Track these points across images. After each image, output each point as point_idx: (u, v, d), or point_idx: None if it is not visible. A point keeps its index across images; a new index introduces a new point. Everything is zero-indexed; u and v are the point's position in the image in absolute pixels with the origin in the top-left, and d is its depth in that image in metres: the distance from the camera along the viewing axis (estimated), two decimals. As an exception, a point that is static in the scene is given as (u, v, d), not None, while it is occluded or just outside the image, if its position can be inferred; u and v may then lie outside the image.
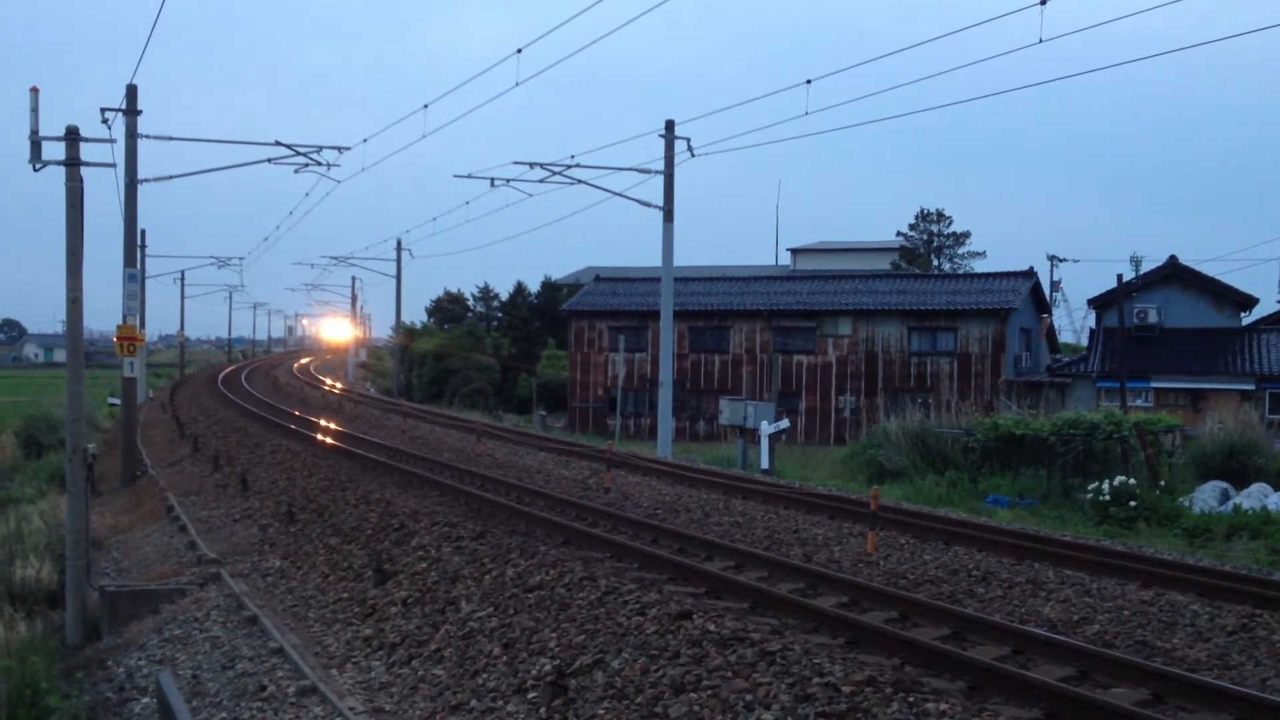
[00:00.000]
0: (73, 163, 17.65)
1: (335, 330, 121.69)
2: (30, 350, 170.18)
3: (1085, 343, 57.60)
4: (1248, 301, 48.62)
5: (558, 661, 9.87)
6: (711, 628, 9.71)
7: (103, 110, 26.39)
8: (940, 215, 73.46)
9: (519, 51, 25.33)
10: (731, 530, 16.87)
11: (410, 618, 12.41)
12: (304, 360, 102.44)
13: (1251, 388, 42.60)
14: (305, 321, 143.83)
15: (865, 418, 46.66)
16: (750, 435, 29.05)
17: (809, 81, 24.64)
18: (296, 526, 18.24)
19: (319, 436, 30.02)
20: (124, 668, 12.95)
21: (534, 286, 76.27)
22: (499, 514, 17.25)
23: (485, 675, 10.28)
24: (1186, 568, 14.11)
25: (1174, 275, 48.07)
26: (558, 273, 79.80)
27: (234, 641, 12.64)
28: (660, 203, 33.47)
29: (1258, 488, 23.26)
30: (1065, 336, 71.35)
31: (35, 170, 17.92)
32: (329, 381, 68.77)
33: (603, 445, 27.73)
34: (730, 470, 26.78)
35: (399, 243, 69.71)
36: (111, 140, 20.18)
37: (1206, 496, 23.18)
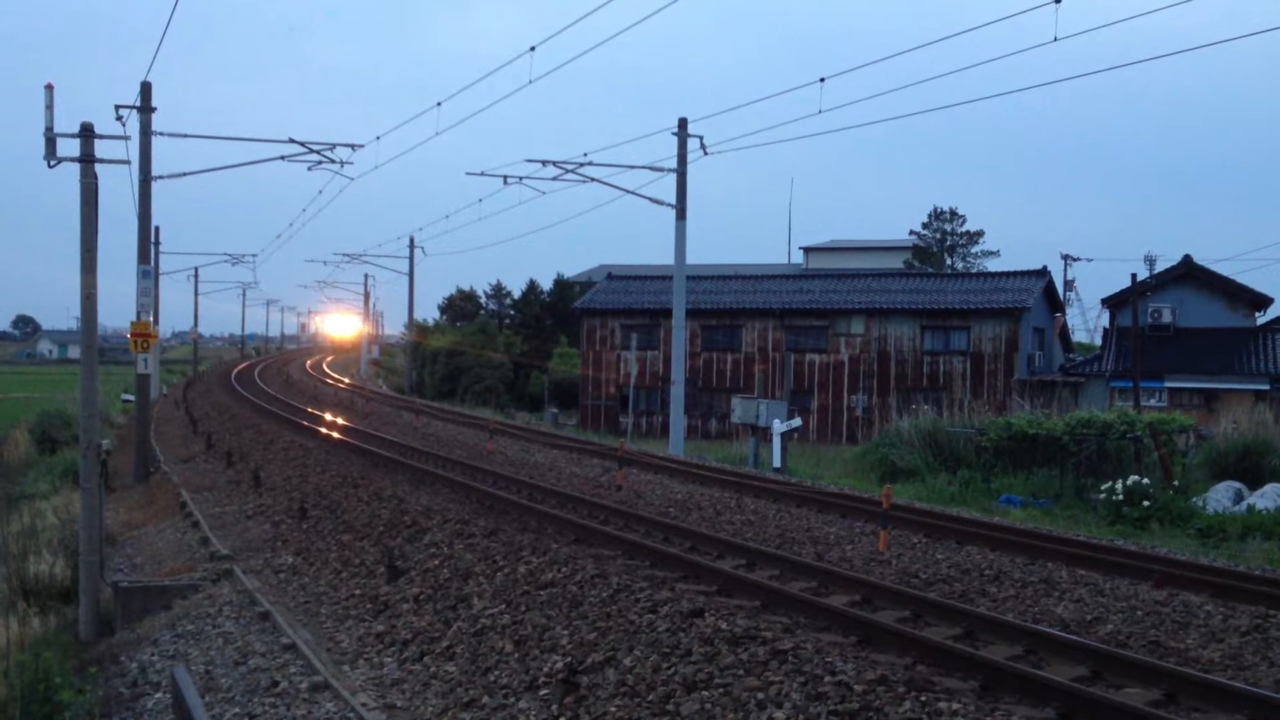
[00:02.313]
0: (87, 159, 17.70)
1: (341, 325, 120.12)
2: (44, 346, 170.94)
3: (1099, 342, 57.48)
4: (1262, 301, 48.43)
5: (569, 659, 9.88)
6: (723, 626, 9.71)
7: (117, 107, 26.49)
8: (953, 214, 73.33)
9: (533, 49, 25.32)
10: (743, 529, 16.86)
11: (422, 614, 12.43)
12: (316, 357, 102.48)
13: (1266, 388, 42.43)
14: (318, 318, 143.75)
15: (878, 416, 46.60)
16: (762, 434, 29.03)
17: (822, 80, 24.60)
18: (309, 523, 18.28)
19: (331, 433, 30.08)
20: (137, 663, 12.99)
21: (546, 284, 76.35)
22: (511, 511, 17.26)
23: (497, 672, 10.29)
24: (1200, 568, 14.06)
25: (1188, 275, 47.92)
26: (570, 270, 79.98)
27: (247, 637, 12.68)
28: (673, 201, 33.48)
29: (1272, 488, 23.15)
30: (1079, 336, 71.20)
31: (50, 167, 17.97)
32: (341, 378, 68.89)
33: (615, 443, 27.73)
34: (742, 469, 26.77)
35: (412, 240, 69.76)
36: (126, 137, 20.24)
37: (1220, 497, 23.08)
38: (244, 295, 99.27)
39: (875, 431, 40.05)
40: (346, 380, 67.09)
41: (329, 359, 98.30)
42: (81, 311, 17.42)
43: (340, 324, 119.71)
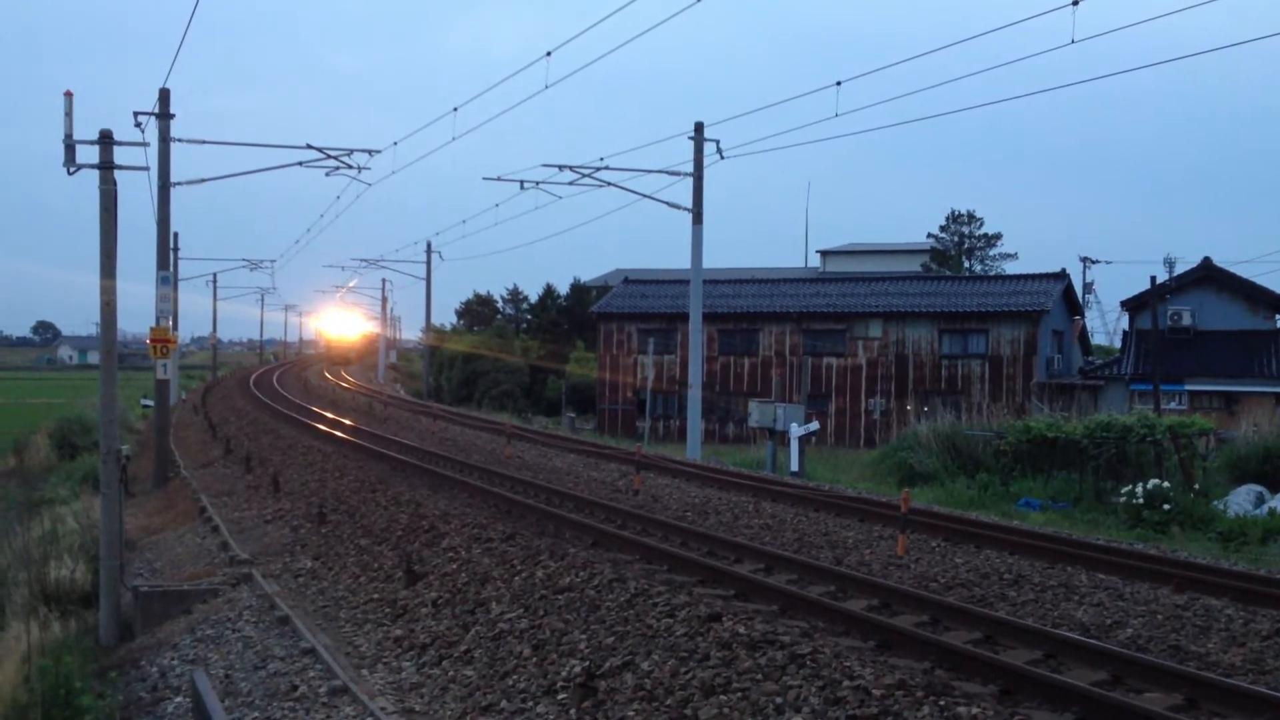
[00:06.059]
0: (106, 166, 17.80)
1: (342, 325, 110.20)
2: (64, 352, 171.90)
3: (1118, 345, 57.21)
4: (1283, 303, 48.14)
5: (587, 663, 9.88)
6: (741, 630, 9.70)
7: (136, 114, 26.59)
8: (971, 217, 73.07)
9: (549, 54, 25.38)
10: (761, 533, 16.84)
11: (440, 619, 12.44)
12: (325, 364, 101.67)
13: (1287, 390, 42.16)
14: (314, 318, 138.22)
15: (895, 420, 46.49)
16: (780, 437, 28.99)
17: (839, 83, 24.58)
18: (328, 527, 18.32)
19: (349, 438, 30.15)
20: (157, 667, 13.05)
21: (563, 289, 76.38)
22: (528, 516, 17.27)
23: (515, 676, 10.30)
24: (1221, 572, 13.99)
25: (1208, 277, 47.66)
26: (587, 275, 79.91)
27: (266, 641, 12.71)
28: (689, 205, 33.47)
29: (1293, 491, 23.03)
30: (1098, 339, 70.91)
31: (70, 174, 18.09)
32: (359, 384, 69.07)
33: (632, 447, 27.73)
34: (759, 473, 26.73)
35: (429, 245, 70.11)
36: (145, 144, 20.36)
37: (1241, 500, 22.95)
38: (262, 300, 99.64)
39: (893, 435, 39.95)
40: (364, 386, 67.25)
41: (344, 366, 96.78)
42: (101, 317, 17.51)
43: (334, 321, 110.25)
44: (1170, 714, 8.12)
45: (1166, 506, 20.68)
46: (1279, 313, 47.90)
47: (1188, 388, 43.78)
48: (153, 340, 26.99)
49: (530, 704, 9.65)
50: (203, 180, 31.37)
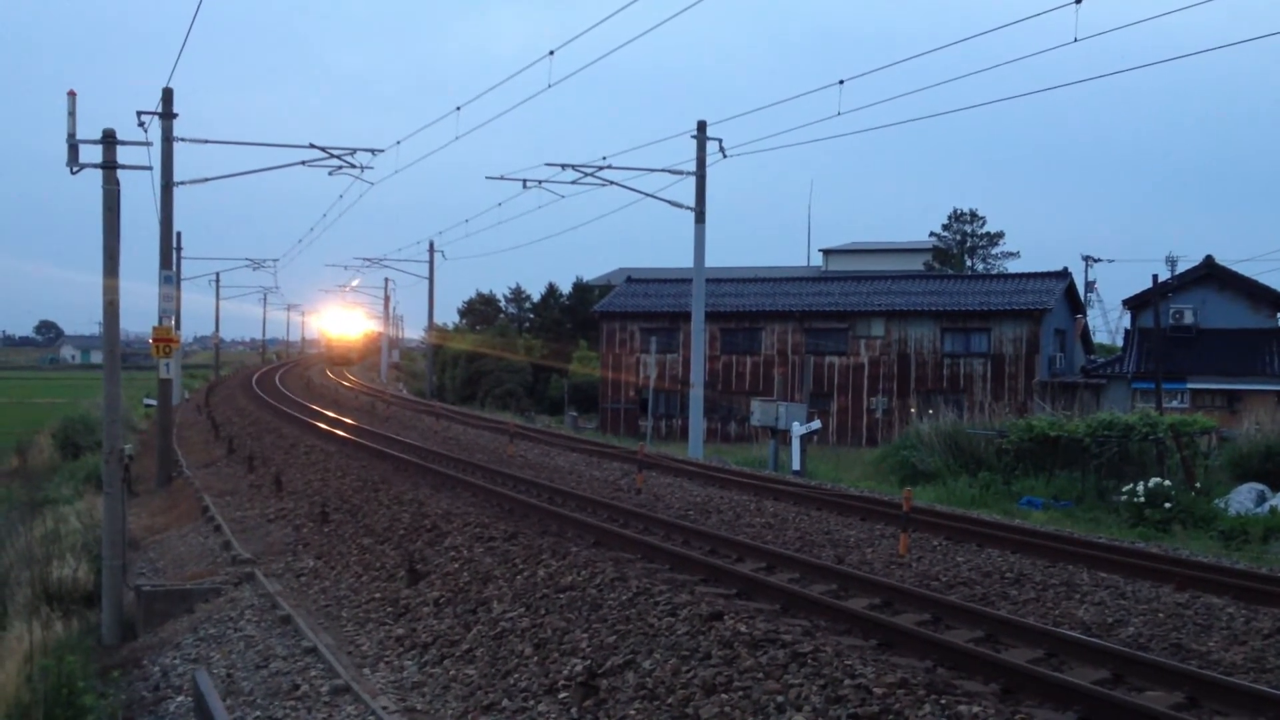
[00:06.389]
0: (109, 166, 17.82)
1: (345, 325, 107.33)
2: (67, 352, 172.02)
3: (1120, 343, 57.17)
4: (1285, 302, 48.07)
5: (589, 662, 9.89)
6: (743, 629, 9.71)
7: (139, 113, 26.65)
8: (973, 215, 73.05)
9: (551, 54, 25.39)
10: (763, 532, 16.84)
11: (442, 618, 12.46)
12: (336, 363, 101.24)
13: (1289, 389, 42.11)
14: (313, 317, 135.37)
15: (897, 419, 46.47)
16: (782, 436, 28.99)
17: (841, 82, 24.56)
18: (330, 527, 18.34)
19: (352, 437, 30.16)
20: (159, 667, 13.06)
21: (566, 288, 76.40)
22: (531, 515, 17.28)
23: (517, 675, 10.31)
24: (1222, 570, 13.99)
25: (1210, 275, 47.61)
26: (590, 274, 79.94)
27: (268, 641, 12.73)
28: (692, 204, 33.47)
29: (1295, 490, 23.00)
30: (1100, 337, 70.85)
31: (73, 173, 18.12)
32: (362, 383, 69.08)
33: (634, 446, 27.73)
34: (762, 471, 26.73)
35: (431, 244, 70.18)
36: (148, 143, 20.36)
37: (1243, 498, 22.94)
38: (265, 300, 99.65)
39: (895, 434, 39.94)
40: (367, 385, 67.26)
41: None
42: (104, 317, 17.52)
43: (335, 319, 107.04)
44: (1172, 713, 8.12)
45: (1168, 505, 20.68)
46: (1281, 311, 47.89)
47: (1190, 386, 43.76)
48: (155, 340, 27.01)
49: (532, 703, 9.66)
50: (206, 180, 31.37)
